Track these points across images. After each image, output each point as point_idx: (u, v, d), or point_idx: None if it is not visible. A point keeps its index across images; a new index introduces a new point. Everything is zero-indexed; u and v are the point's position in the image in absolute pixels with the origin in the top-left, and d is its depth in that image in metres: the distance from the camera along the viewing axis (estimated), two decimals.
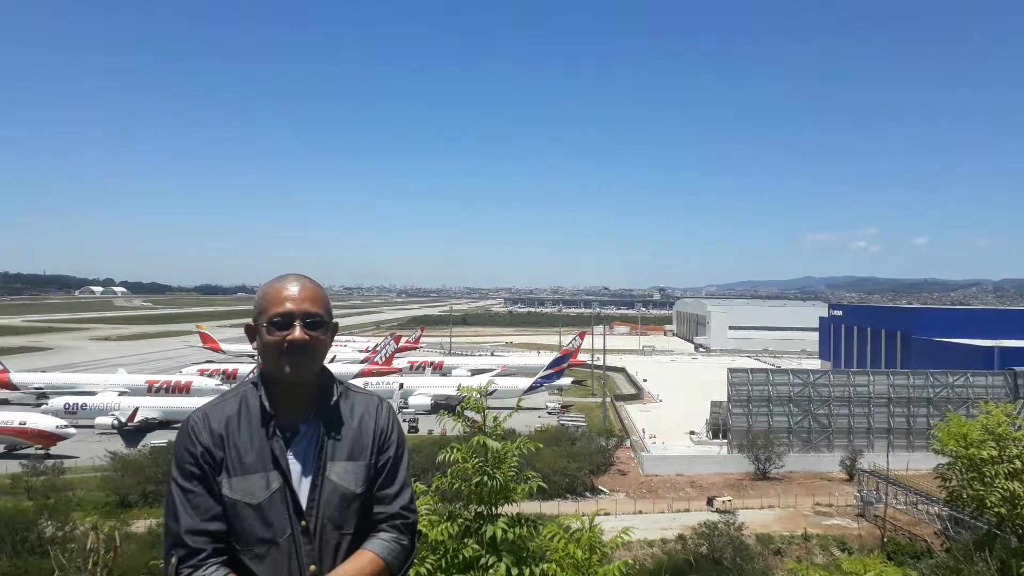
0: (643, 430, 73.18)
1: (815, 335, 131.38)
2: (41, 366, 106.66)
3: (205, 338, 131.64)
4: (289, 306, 3.09)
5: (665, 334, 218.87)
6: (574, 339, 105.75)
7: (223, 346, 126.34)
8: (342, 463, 3.15)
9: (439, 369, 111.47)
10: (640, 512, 51.11)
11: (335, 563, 3.07)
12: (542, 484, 5.07)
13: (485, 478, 4.64)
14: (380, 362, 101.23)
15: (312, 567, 3.03)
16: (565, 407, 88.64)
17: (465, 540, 4.50)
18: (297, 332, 3.07)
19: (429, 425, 71.03)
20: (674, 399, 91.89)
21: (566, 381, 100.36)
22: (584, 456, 59.12)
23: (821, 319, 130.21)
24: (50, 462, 55.44)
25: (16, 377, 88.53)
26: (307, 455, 3.12)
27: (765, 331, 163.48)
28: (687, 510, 52.19)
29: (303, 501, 3.06)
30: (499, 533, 4.41)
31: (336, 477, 3.13)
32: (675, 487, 58.49)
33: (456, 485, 4.80)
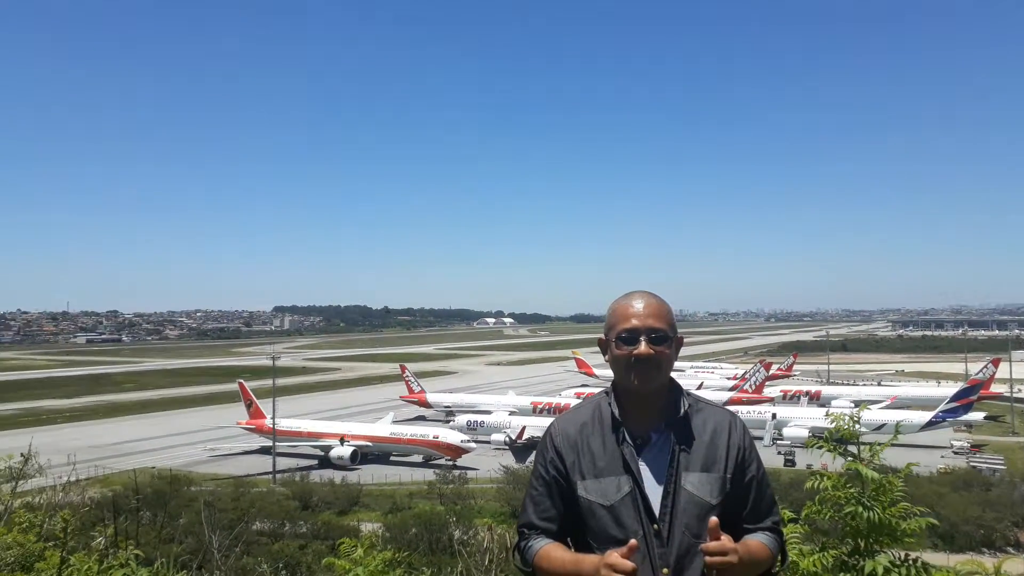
0: None
1: None
2: (449, 387, 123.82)
3: (580, 363, 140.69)
4: (635, 322, 3.31)
5: None
6: (986, 366, 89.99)
7: (595, 371, 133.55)
8: (696, 474, 3.27)
9: (816, 399, 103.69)
10: None
11: (690, 570, 3.13)
12: (934, 522, 4.39)
13: (860, 508, 4.19)
14: (750, 390, 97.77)
15: (665, 570, 3.13)
16: (976, 446, 76.22)
17: (841, 575, 4.12)
18: (643, 347, 3.27)
19: (808, 459, 66.48)
20: None
21: (976, 416, 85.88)
22: (1004, 505, 50.02)
23: None
24: (457, 472, 63.49)
25: (431, 397, 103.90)
26: (658, 463, 3.31)
27: None
28: None
29: (655, 506, 3.21)
30: (880, 570, 3.93)
31: (691, 487, 3.24)
32: None
33: (827, 515, 4.41)
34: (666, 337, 3.31)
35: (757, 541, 3.22)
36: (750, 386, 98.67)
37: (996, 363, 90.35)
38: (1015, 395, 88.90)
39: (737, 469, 3.31)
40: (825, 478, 4.36)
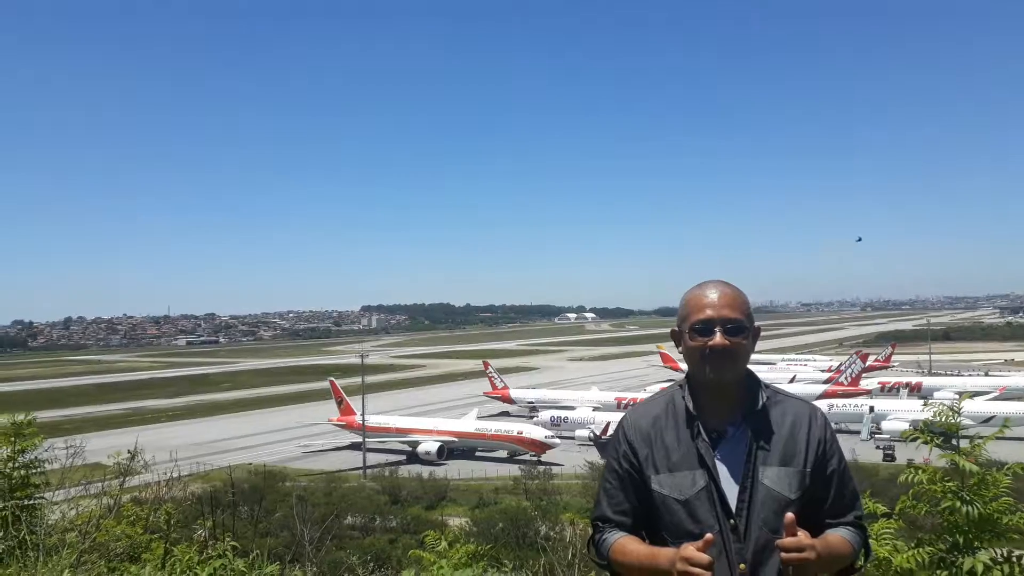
0: None
1: None
2: (531, 383, 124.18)
3: (665, 358, 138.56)
4: (710, 312, 3.17)
5: None
6: None
7: (681, 365, 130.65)
8: (774, 468, 3.11)
9: (917, 391, 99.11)
10: None
11: (767, 565, 3.02)
12: None
13: (958, 503, 3.97)
14: (845, 382, 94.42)
15: (742, 565, 3.01)
16: None
17: (938, 572, 3.91)
18: (718, 338, 3.13)
19: (910, 454, 63.51)
20: None
21: None
22: None
23: None
24: (541, 468, 63.61)
25: (514, 393, 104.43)
26: (734, 457, 3.16)
27: None
28: None
29: (731, 501, 3.08)
30: (979, 567, 3.71)
31: (769, 482, 3.09)
32: None
33: (923, 509, 4.19)
34: (742, 328, 3.16)
35: (837, 536, 3.09)
36: (846, 378, 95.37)
37: None
38: None
39: (817, 463, 3.16)
40: (920, 471, 4.16)
